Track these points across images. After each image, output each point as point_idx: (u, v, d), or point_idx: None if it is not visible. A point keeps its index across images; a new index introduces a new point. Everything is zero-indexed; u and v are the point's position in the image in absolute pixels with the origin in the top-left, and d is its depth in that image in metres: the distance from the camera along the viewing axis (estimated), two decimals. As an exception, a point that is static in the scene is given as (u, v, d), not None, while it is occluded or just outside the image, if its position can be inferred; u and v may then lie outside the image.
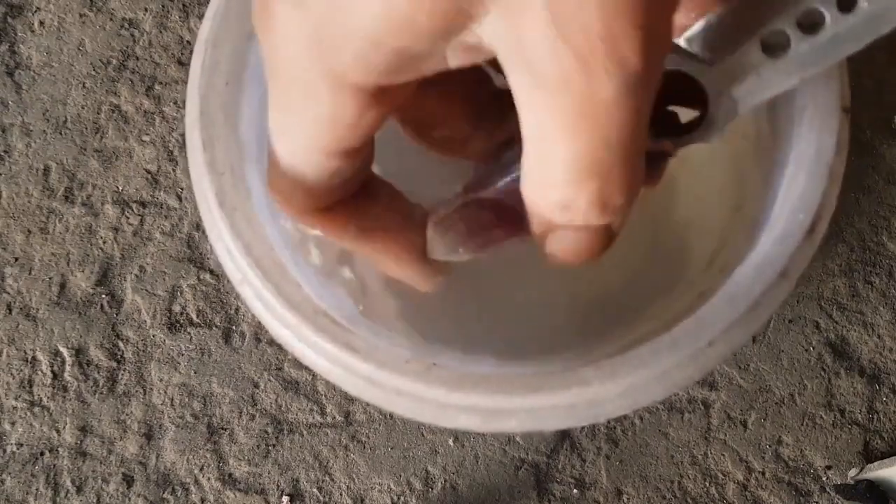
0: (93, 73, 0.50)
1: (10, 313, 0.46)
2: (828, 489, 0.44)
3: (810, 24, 0.16)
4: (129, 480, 0.44)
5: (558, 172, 0.13)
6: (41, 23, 0.51)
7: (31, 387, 0.45)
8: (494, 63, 0.14)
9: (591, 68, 0.12)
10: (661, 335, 0.22)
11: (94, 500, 0.44)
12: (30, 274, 0.47)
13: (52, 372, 0.46)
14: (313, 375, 0.45)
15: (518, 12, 0.12)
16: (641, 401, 0.22)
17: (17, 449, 0.45)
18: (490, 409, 0.22)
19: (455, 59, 0.14)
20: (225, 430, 0.45)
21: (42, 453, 0.45)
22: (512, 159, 0.18)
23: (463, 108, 0.18)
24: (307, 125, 0.15)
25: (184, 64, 0.50)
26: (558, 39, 0.12)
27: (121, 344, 0.46)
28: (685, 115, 0.18)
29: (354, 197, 0.17)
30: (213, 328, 0.46)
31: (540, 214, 0.15)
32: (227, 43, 0.25)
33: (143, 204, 0.48)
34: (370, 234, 0.19)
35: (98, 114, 0.49)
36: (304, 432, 0.44)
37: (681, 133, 0.18)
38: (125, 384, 0.45)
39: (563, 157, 0.13)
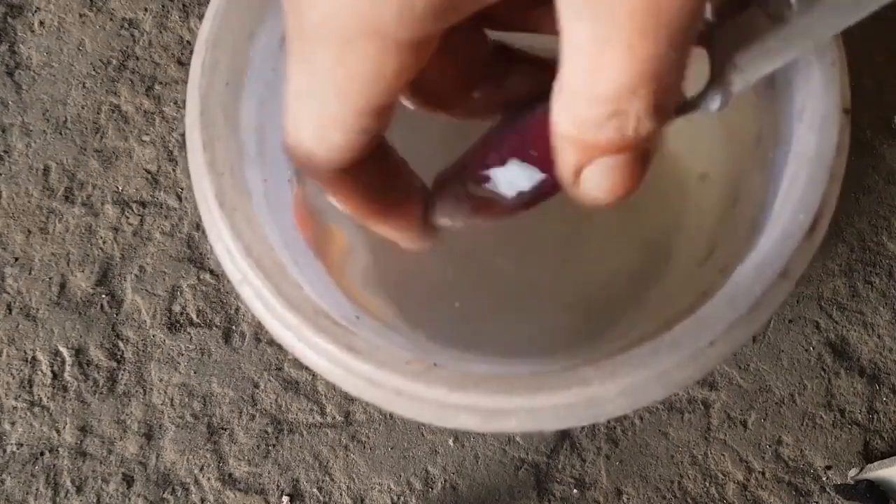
0: (93, 73, 0.50)
1: (10, 313, 0.46)
2: (828, 489, 0.44)
3: None
4: (129, 480, 0.44)
5: (615, 79, 0.13)
6: (41, 23, 0.51)
7: (31, 387, 0.45)
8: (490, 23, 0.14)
9: None
10: (662, 335, 0.22)
11: (94, 500, 0.44)
12: (30, 274, 0.47)
13: (52, 372, 0.46)
14: (313, 375, 0.45)
15: None
16: (641, 401, 0.22)
17: (17, 449, 0.45)
18: (490, 409, 0.22)
19: None
20: (225, 430, 0.45)
21: (42, 453, 0.45)
22: (512, 122, 0.18)
23: (458, 62, 0.18)
24: (339, 86, 0.15)
25: (184, 64, 0.50)
26: None
27: (121, 344, 0.46)
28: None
29: (366, 161, 0.17)
30: (213, 328, 0.46)
31: (578, 138, 0.14)
32: (227, 43, 0.25)
33: (143, 204, 0.48)
34: (376, 199, 0.18)
35: (98, 114, 0.49)
36: (304, 432, 0.44)
37: (683, 101, 0.18)
38: (125, 384, 0.45)
39: (622, 62, 0.13)
